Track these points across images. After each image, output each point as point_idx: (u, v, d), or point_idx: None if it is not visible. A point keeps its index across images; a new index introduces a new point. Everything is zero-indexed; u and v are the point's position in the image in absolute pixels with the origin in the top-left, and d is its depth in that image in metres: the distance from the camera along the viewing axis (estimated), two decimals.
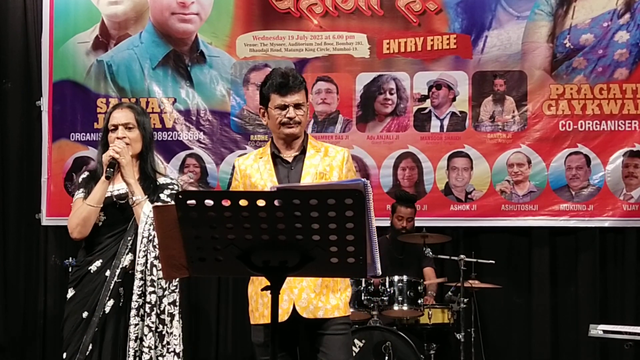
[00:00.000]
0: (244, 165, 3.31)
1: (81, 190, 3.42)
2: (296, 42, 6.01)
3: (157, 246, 2.72)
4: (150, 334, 3.22)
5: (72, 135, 6.09)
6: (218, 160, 6.03)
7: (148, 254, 3.24)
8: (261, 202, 1.95)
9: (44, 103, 6.10)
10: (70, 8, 6.15)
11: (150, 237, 3.22)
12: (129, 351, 3.21)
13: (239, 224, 1.98)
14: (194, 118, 6.05)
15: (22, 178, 6.19)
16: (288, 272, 2.07)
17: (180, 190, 3.47)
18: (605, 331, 4.44)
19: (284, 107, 3.21)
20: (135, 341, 3.22)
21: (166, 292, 3.27)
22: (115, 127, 3.39)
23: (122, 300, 3.29)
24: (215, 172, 6.02)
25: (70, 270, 5.16)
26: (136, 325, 3.23)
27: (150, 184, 3.38)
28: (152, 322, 3.22)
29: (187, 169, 6.03)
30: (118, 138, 3.36)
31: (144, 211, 3.25)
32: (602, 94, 5.79)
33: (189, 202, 1.99)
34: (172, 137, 6.05)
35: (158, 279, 3.24)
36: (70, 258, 5.29)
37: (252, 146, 5.88)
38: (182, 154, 6.04)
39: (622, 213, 5.74)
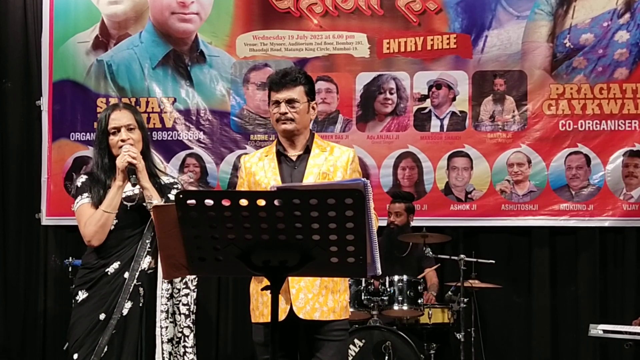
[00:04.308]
0: (249, 163, 3.32)
1: (85, 195, 3.33)
2: (296, 41, 6.00)
3: (158, 246, 2.72)
4: (192, 334, 3.27)
5: (72, 135, 6.09)
6: (218, 160, 6.02)
7: None
8: (261, 202, 1.95)
9: (44, 103, 6.09)
10: (70, 8, 6.15)
11: None
12: (163, 353, 3.22)
13: (239, 223, 1.98)
14: (194, 118, 6.05)
15: (22, 178, 6.19)
16: (288, 271, 2.07)
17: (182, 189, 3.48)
18: (605, 331, 4.44)
19: (277, 104, 3.24)
20: (168, 343, 3.25)
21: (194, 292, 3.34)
22: (117, 129, 3.33)
23: (142, 302, 3.27)
24: (215, 171, 6.02)
25: (70, 270, 5.20)
26: (166, 327, 3.24)
27: (154, 184, 3.37)
28: (193, 323, 3.28)
29: (187, 169, 6.03)
30: (122, 140, 3.31)
31: None
32: (602, 94, 5.79)
33: (189, 201, 1.99)
34: (172, 136, 6.05)
35: (190, 279, 3.28)
36: (71, 258, 5.30)
37: (252, 146, 5.89)
38: (182, 154, 6.04)
39: (622, 213, 5.74)
